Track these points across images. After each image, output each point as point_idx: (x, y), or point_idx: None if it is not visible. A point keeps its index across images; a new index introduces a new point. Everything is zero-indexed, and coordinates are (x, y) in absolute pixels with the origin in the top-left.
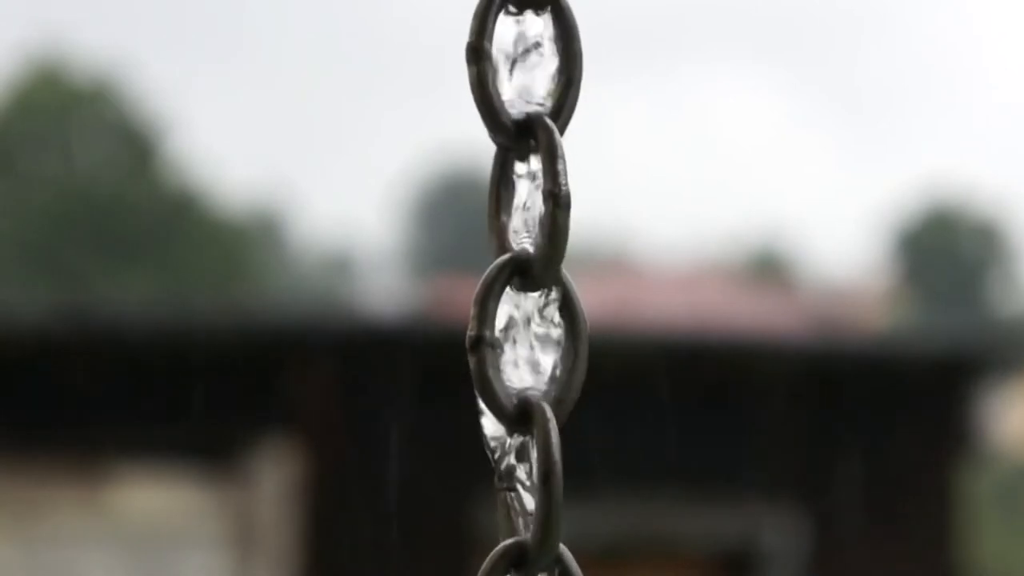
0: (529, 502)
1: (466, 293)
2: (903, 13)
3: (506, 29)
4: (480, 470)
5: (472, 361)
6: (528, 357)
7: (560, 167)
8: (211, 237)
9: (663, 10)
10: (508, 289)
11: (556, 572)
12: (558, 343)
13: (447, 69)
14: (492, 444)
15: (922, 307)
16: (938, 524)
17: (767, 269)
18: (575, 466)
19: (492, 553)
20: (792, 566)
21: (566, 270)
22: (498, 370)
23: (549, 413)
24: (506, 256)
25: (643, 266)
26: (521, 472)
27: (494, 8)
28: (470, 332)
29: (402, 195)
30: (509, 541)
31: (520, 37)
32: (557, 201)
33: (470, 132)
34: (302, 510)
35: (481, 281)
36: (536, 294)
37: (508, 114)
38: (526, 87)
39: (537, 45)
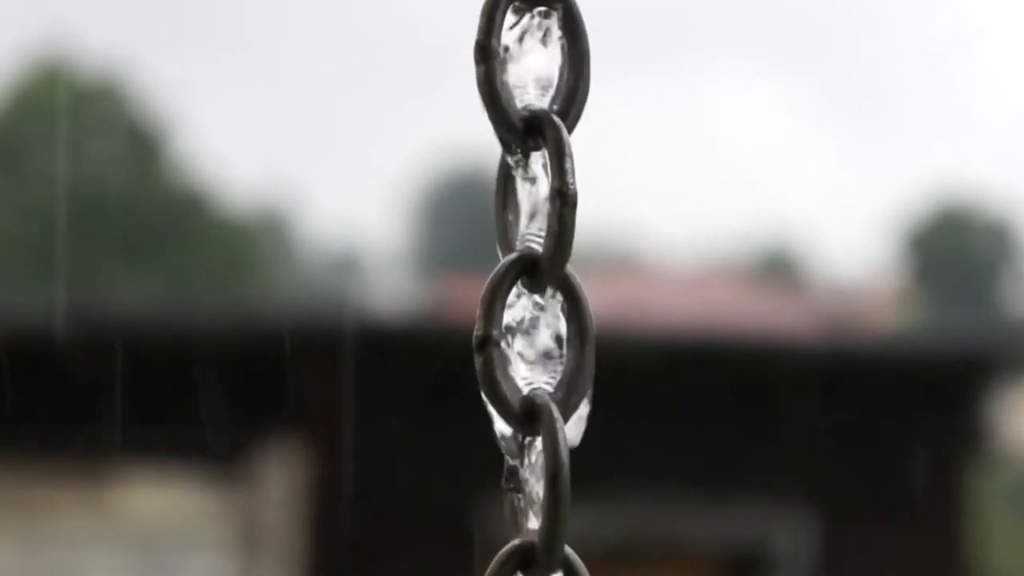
0: (536, 503)
1: (472, 293)
2: (911, 11)
3: (514, 27)
4: (486, 471)
5: (479, 361)
6: (535, 357)
7: (568, 166)
8: (216, 237)
9: (668, 9)
10: (515, 289)
11: (563, 574)
12: (565, 343)
13: (452, 68)
14: (503, 444)
15: (932, 307)
16: (948, 525)
17: (775, 269)
18: (582, 467)
19: (499, 554)
20: (801, 568)
21: (573, 269)
22: (505, 370)
23: (556, 414)
24: (513, 256)
25: (650, 266)
26: (528, 473)
27: (502, 6)
28: (477, 332)
29: (407, 195)
30: (516, 542)
31: (528, 35)
32: (565, 200)
33: (476, 131)
34: (307, 511)
35: (488, 281)
36: (543, 294)
37: (516, 113)
38: (533, 86)
39: (545, 44)
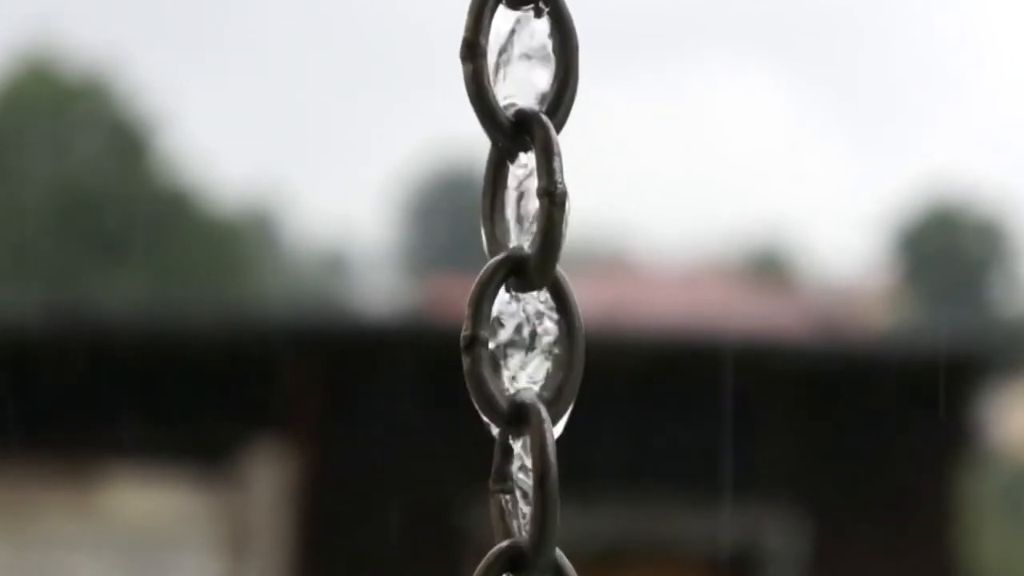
0: (525, 504)
1: (461, 293)
2: (906, 11)
3: (502, 25)
4: (475, 471)
5: (466, 361)
6: (523, 357)
7: (556, 165)
8: (204, 235)
9: (665, 7)
10: (503, 289)
11: (551, 575)
12: (554, 343)
13: (442, 66)
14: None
15: (924, 307)
16: (940, 525)
17: (768, 268)
18: (572, 468)
19: (487, 555)
20: (793, 568)
21: (563, 269)
22: (493, 370)
23: (544, 414)
24: (501, 255)
25: (643, 265)
26: (516, 474)
27: (490, 4)
28: (464, 332)
29: (397, 193)
30: (504, 543)
31: (516, 33)
32: (553, 199)
33: (466, 129)
34: (295, 512)
35: (476, 281)
36: (531, 294)
37: (504, 111)
38: (522, 84)
39: (533, 41)
